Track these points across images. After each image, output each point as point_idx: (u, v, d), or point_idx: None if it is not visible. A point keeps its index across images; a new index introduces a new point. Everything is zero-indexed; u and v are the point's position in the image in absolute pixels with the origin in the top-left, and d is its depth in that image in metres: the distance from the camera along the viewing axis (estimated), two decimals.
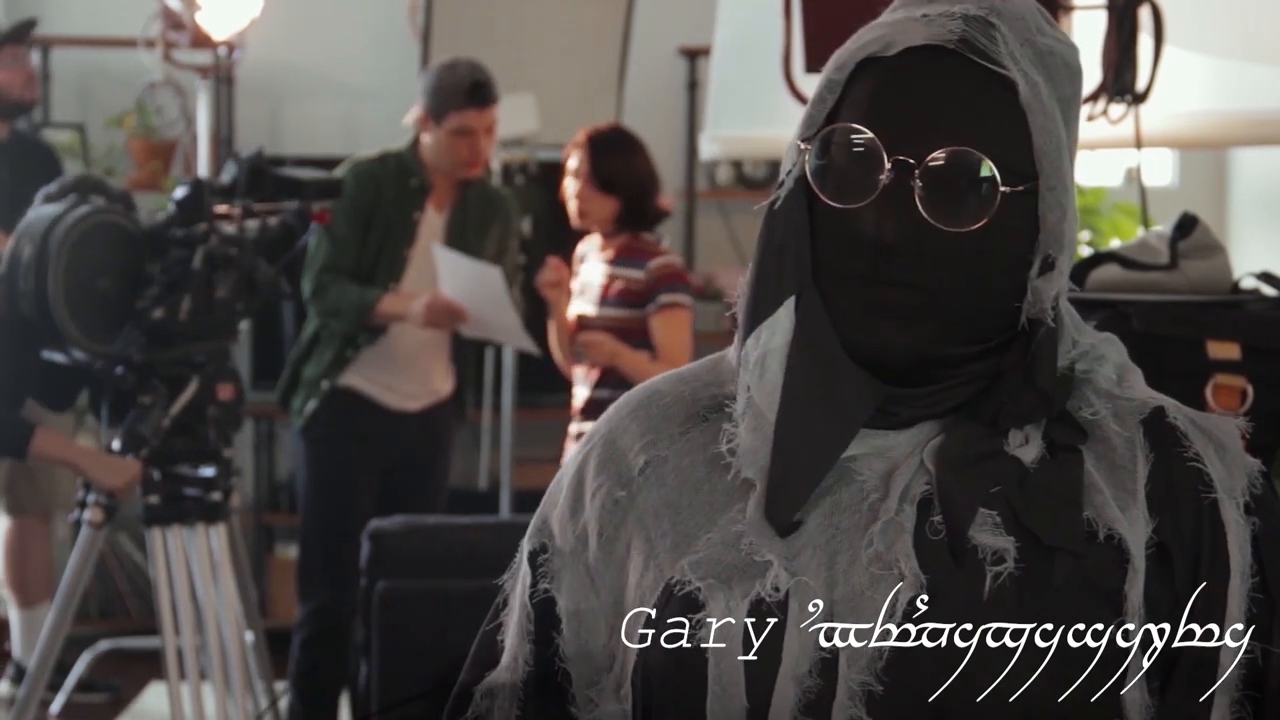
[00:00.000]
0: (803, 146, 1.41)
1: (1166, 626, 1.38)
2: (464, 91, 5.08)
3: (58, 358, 4.31)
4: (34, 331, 4.20)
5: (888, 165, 1.36)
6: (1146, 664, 1.36)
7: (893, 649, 1.34)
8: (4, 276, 4.19)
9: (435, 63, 5.40)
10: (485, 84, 5.12)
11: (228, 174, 4.51)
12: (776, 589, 1.37)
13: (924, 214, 1.35)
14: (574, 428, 4.99)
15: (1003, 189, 1.36)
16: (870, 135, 1.37)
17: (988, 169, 1.36)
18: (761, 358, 1.41)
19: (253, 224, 4.45)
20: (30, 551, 5.92)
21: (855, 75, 1.40)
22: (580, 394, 4.98)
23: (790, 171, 1.42)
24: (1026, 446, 1.39)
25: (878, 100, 1.38)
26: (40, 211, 4.24)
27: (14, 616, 5.97)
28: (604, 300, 4.92)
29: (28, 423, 4.29)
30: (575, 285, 5.07)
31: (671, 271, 4.91)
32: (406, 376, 5.19)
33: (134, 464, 4.32)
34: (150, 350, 4.31)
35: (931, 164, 1.35)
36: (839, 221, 1.38)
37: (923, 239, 1.36)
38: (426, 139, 5.14)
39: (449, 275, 5.05)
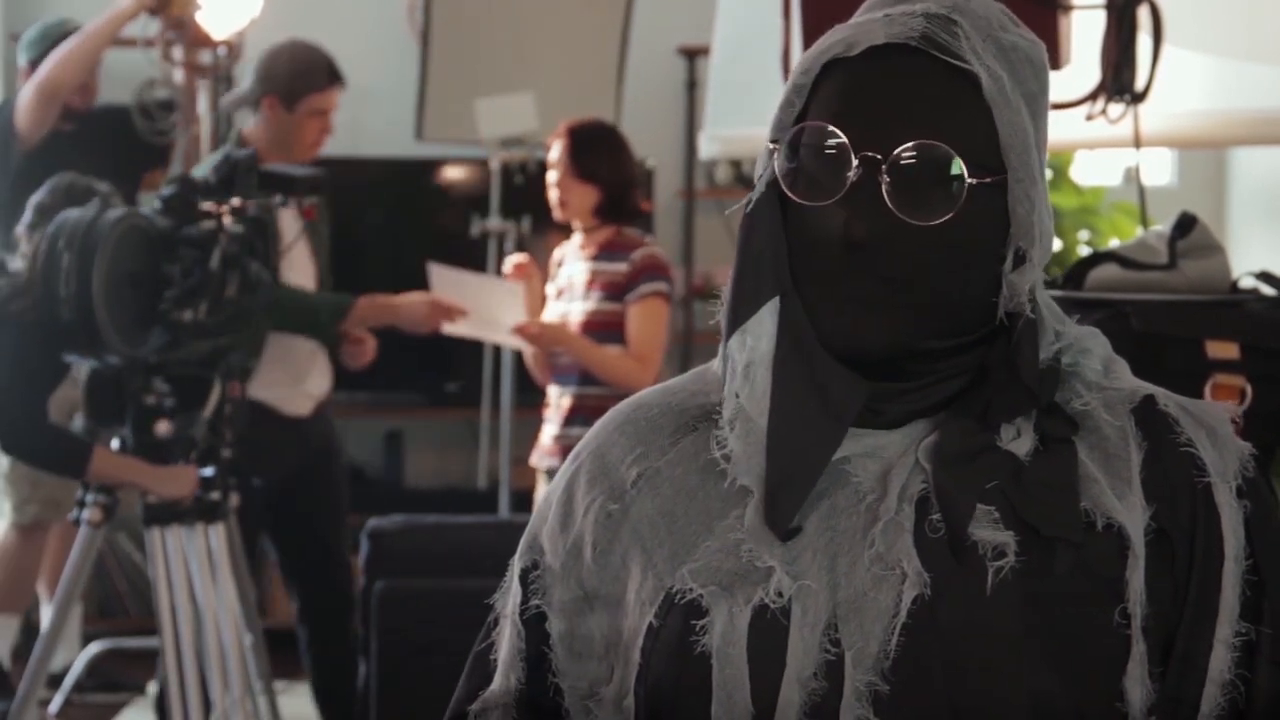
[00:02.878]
0: (772, 148, 1.43)
1: (1166, 611, 1.39)
2: (325, 71, 5.09)
3: (87, 363, 4.31)
4: (71, 338, 4.17)
5: (855, 162, 1.37)
6: (1147, 650, 1.37)
7: (898, 648, 1.35)
8: (40, 284, 4.16)
9: (270, 49, 5.23)
10: (335, 63, 5.14)
11: (204, 170, 4.52)
12: (780, 594, 1.37)
13: (892, 209, 1.37)
14: (551, 430, 4.96)
15: (970, 181, 1.37)
16: (836, 133, 1.38)
17: (954, 162, 1.37)
18: (748, 363, 1.42)
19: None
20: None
21: (821, 78, 1.42)
22: (558, 398, 4.95)
23: (762, 175, 1.44)
24: (1019, 440, 1.40)
25: (843, 99, 1.39)
26: (69, 216, 4.20)
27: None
28: (587, 295, 4.92)
29: (85, 442, 4.27)
30: (552, 289, 5.06)
31: (654, 262, 4.90)
32: (296, 381, 5.03)
33: (190, 470, 4.33)
34: (165, 350, 4.33)
35: (898, 159, 1.37)
36: (810, 221, 1.40)
37: (892, 234, 1.37)
38: (256, 129, 5.04)
39: (451, 291, 5.04)
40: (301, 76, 5.06)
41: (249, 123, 5.12)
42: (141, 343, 4.27)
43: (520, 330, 4.92)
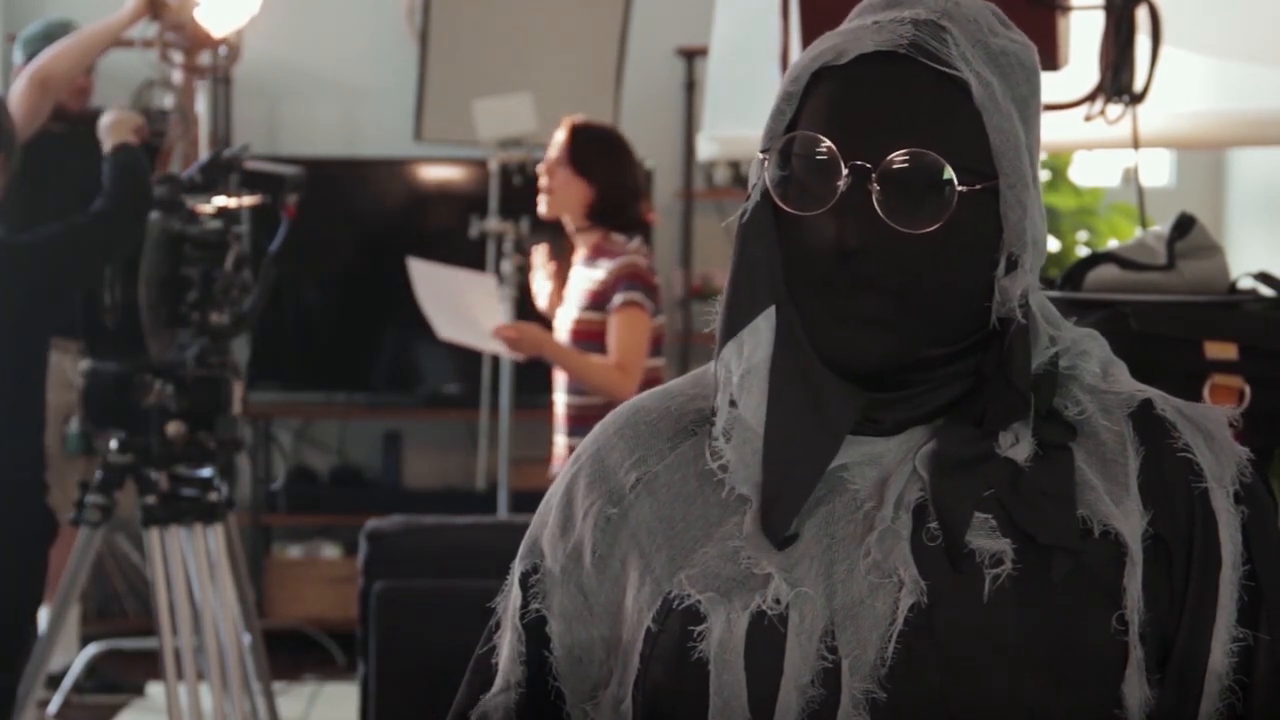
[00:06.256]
0: (762, 158, 1.43)
1: (1164, 617, 1.39)
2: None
3: (110, 367, 4.32)
4: (112, 345, 4.17)
5: (845, 171, 1.37)
6: (1145, 656, 1.37)
7: (895, 656, 1.35)
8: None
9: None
10: None
11: (195, 170, 4.52)
12: (777, 600, 1.37)
13: (883, 217, 1.37)
14: (561, 440, 4.94)
15: (960, 189, 1.38)
16: (826, 142, 1.38)
17: (944, 170, 1.37)
18: (744, 372, 1.42)
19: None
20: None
21: (811, 86, 1.42)
22: (562, 405, 4.93)
23: (755, 184, 1.44)
24: (1017, 447, 1.40)
25: (832, 108, 1.39)
26: None
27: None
28: (576, 302, 4.85)
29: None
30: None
31: (631, 271, 4.77)
32: None
33: None
34: (199, 354, 4.34)
35: (888, 167, 1.37)
36: (802, 230, 1.40)
37: (884, 242, 1.37)
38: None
39: (430, 287, 5.04)
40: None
41: None
42: (169, 346, 4.28)
43: (499, 333, 4.88)
